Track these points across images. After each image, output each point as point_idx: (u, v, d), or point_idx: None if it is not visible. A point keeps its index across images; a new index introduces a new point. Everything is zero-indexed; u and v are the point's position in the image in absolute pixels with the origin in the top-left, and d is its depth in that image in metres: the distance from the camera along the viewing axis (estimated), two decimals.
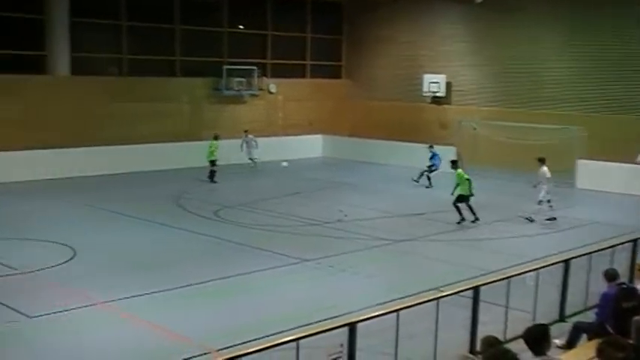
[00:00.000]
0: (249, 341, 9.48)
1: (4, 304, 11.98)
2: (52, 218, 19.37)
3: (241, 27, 32.95)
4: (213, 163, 25.69)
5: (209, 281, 13.63)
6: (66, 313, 11.76)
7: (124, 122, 27.75)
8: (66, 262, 14.88)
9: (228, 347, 9.54)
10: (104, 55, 29.10)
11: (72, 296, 12.57)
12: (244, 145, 28.84)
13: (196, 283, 13.43)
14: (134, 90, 28.46)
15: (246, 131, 29.05)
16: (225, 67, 30.83)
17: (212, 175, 25.60)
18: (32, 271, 14.04)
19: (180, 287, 13.16)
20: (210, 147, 25.88)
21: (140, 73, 29.25)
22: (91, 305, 12.20)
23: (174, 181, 25.64)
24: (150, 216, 19.42)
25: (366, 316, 8.77)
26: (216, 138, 26.11)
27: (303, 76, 35.27)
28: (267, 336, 9.58)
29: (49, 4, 26.55)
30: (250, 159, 28.76)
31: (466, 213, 19.23)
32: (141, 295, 12.65)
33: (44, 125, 25.85)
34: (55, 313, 11.76)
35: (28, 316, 11.58)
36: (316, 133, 34.25)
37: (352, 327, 8.37)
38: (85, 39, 27.93)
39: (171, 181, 25.50)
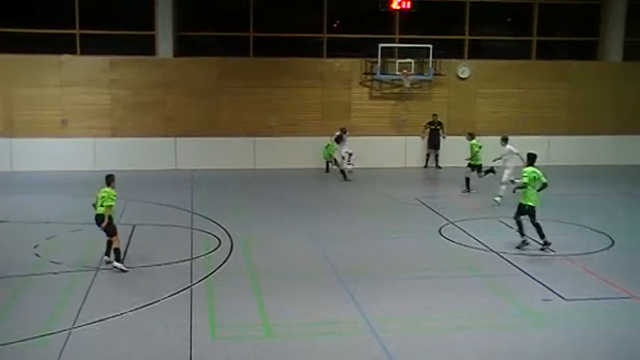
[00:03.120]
0: None
1: (543, 284, 12.83)
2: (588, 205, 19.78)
3: None
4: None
5: None
6: (598, 301, 12.04)
7: None
8: (601, 250, 15.17)
9: None
10: None
11: (607, 286, 12.81)
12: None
13: None
14: None
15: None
16: None
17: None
18: (573, 254, 14.67)
19: None
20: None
21: None
22: (626, 298, 12.26)
23: None
24: None
25: None
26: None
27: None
28: None
29: None
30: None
31: None
32: None
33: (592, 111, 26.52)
34: (587, 300, 12.12)
35: (563, 299, 12.20)
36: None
37: None
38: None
39: None
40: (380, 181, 23.04)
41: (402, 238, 16.03)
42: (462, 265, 14.09)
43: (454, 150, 23.95)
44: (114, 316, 10.92)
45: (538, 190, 14.86)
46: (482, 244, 15.45)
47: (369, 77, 26.06)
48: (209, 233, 16.04)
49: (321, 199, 20.24)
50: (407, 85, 25.84)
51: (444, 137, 25.86)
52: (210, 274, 13.18)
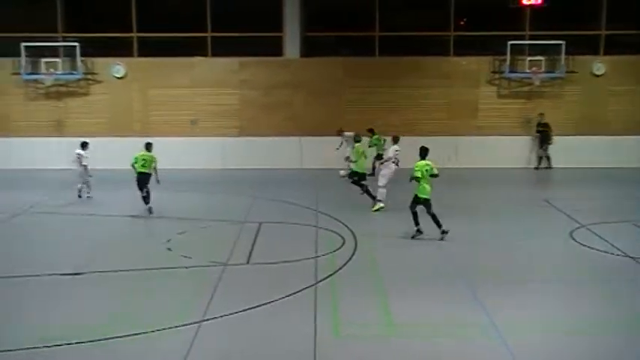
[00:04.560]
0: None
1: None
2: None
3: None
4: None
5: None
6: None
7: None
8: None
9: None
10: None
11: None
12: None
13: None
14: None
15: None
16: None
17: None
18: None
19: None
20: None
21: None
22: None
23: None
24: None
25: None
26: None
27: None
28: None
29: None
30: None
31: None
32: None
33: None
34: None
35: None
36: None
37: None
38: None
39: None
40: (501, 182, 22.46)
41: (531, 240, 15.51)
42: (595, 271, 13.47)
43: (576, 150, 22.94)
44: (240, 312, 11.17)
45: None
46: (617, 248, 14.71)
47: (497, 76, 25.42)
48: (333, 232, 16.13)
49: (445, 199, 19.89)
50: (536, 83, 25.04)
51: (550, 139, 24.86)
52: (335, 272, 13.24)
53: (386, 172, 18.46)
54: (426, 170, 15.29)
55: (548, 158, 25.05)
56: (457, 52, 25.87)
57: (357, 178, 18.84)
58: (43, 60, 24.77)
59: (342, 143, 23.46)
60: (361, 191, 18.78)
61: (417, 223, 15.47)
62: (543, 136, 24.96)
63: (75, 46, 24.66)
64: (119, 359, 9.63)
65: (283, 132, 25.08)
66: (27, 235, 16.33)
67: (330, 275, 13.07)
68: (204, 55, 25.60)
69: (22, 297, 11.88)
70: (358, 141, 19.17)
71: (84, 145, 19.93)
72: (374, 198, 18.46)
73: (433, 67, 25.55)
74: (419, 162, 15.43)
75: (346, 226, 16.51)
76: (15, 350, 9.76)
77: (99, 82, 25.42)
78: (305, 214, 17.97)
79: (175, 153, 23.79)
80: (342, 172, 22.44)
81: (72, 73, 24.97)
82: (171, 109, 25.24)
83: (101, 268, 13.50)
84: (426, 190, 15.32)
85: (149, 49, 25.63)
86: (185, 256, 14.17)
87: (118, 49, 25.72)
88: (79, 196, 19.66)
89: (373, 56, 25.80)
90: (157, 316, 10.96)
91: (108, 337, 10.17)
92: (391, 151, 18.76)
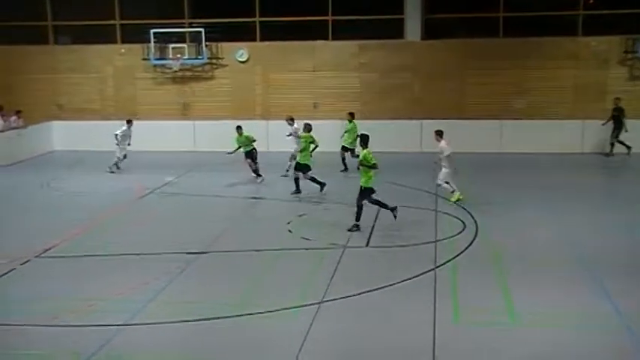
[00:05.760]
0: None
1: None
2: None
3: None
4: None
5: None
6: None
7: None
8: None
9: None
10: None
11: None
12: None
13: None
14: None
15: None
16: None
17: None
18: None
19: None
20: None
21: None
22: None
23: None
24: None
25: None
26: None
27: None
28: None
29: None
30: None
31: None
32: None
33: None
34: None
35: None
36: None
37: None
38: None
39: None
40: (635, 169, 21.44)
41: None
42: None
43: None
44: (359, 294, 11.22)
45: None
46: None
47: (629, 56, 24.18)
48: (453, 216, 15.91)
49: (570, 185, 19.21)
50: None
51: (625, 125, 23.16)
52: (455, 257, 13.07)
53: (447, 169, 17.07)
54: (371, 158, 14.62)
55: (623, 143, 23.40)
56: (586, 31, 24.78)
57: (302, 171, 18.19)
58: (171, 46, 25.69)
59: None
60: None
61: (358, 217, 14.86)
62: (617, 121, 23.34)
63: (200, 32, 25.42)
64: (245, 336, 9.91)
65: (402, 115, 24.90)
66: (155, 214, 17.05)
67: (450, 260, 12.91)
68: (325, 38, 25.74)
69: (153, 274, 12.43)
70: (309, 130, 18.68)
71: (129, 122, 21.83)
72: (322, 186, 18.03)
73: (560, 48, 24.59)
74: (363, 150, 14.74)
75: (467, 210, 16.23)
76: (162, 323, 10.27)
77: (223, 66, 26.10)
78: (424, 197, 17.81)
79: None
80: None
81: (197, 58, 25.76)
82: (293, 92, 25.59)
83: (225, 247, 13.92)
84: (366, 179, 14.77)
85: (271, 34, 26.05)
86: (305, 238, 14.37)
87: (242, 34, 26.28)
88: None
89: (497, 37, 25.11)
90: (278, 296, 11.19)
91: (234, 314, 10.49)
92: (447, 148, 16.93)
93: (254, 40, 26.21)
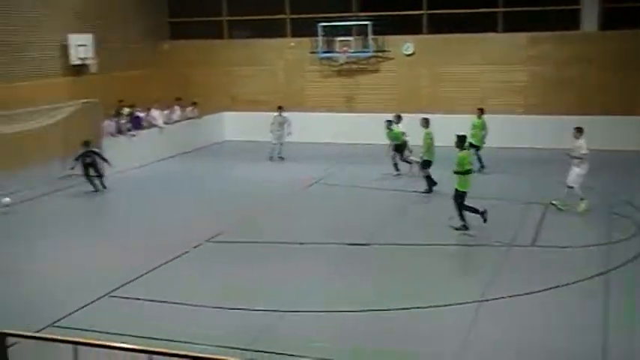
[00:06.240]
0: None
1: None
2: None
3: None
4: None
5: None
6: None
7: None
8: None
9: None
10: None
11: None
12: None
13: None
14: None
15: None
16: None
17: None
18: None
19: None
20: None
21: None
22: None
23: None
24: None
25: None
26: None
27: None
28: None
29: None
30: None
31: None
32: None
33: None
34: None
35: None
36: None
37: None
38: None
39: None
40: None
41: None
42: None
43: None
44: (522, 294, 10.87)
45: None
46: None
47: None
48: (628, 217, 15.03)
49: None
50: None
51: None
52: (629, 261, 12.35)
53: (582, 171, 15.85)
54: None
55: None
56: None
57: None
58: (338, 39, 26.07)
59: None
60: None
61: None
62: None
63: (367, 25, 25.60)
64: (407, 329, 9.91)
65: (573, 111, 23.71)
66: (317, 204, 17.44)
67: (624, 264, 12.21)
68: (495, 31, 25.10)
69: (316, 263, 12.74)
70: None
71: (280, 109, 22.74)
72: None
73: None
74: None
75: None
76: (325, 312, 10.52)
77: (389, 59, 26.14)
78: (595, 198, 16.88)
79: (461, 130, 23.65)
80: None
81: (363, 51, 25.97)
82: (459, 86, 25.17)
83: (386, 240, 13.98)
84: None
85: (439, 26, 25.74)
86: (467, 234, 14.14)
87: (408, 27, 26.17)
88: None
89: None
90: (440, 292, 11.11)
91: (396, 307, 10.51)
92: (585, 147, 15.85)
93: (420, 33, 26.04)
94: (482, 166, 20.20)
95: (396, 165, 19.99)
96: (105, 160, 19.16)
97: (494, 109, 24.25)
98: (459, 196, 14.32)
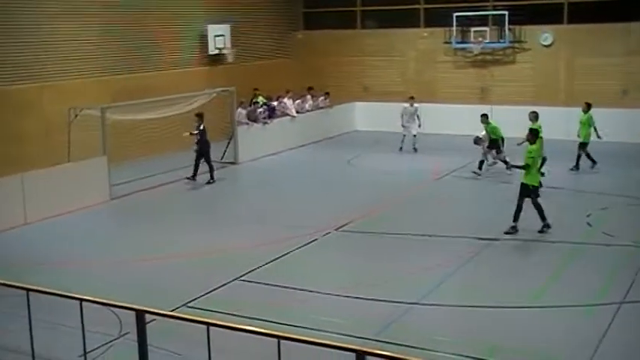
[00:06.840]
0: None
1: None
2: None
3: None
4: None
5: None
6: None
7: None
8: None
9: None
10: None
11: None
12: None
13: None
14: None
15: None
16: None
17: None
18: None
19: None
20: None
21: None
22: None
23: None
24: None
25: None
26: None
27: None
28: None
29: None
30: None
31: None
32: None
33: None
34: None
35: None
36: None
37: None
38: None
39: None
40: None
41: None
42: None
43: None
44: None
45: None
46: None
47: None
48: None
49: None
50: None
51: None
52: None
53: None
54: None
55: None
56: None
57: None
58: (473, 29, 25.52)
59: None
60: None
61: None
62: None
63: (504, 15, 24.88)
64: (538, 329, 9.59)
65: None
66: (447, 197, 17.18)
67: None
68: None
69: (445, 257, 12.56)
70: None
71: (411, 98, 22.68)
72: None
73: None
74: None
75: None
76: (453, 306, 10.39)
77: (525, 50, 25.30)
78: None
79: (601, 124, 22.67)
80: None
81: (499, 42, 25.28)
82: (600, 78, 23.97)
83: (518, 236, 13.54)
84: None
85: (581, 15, 24.59)
86: (606, 233, 13.49)
87: (547, 17, 25.21)
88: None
89: None
90: (575, 292, 10.70)
91: (528, 305, 10.23)
92: None
93: (560, 22, 25.00)
94: (593, 163, 19.06)
95: (481, 163, 18.96)
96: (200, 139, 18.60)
97: (637, 103, 23.06)
98: (526, 191, 13.58)
